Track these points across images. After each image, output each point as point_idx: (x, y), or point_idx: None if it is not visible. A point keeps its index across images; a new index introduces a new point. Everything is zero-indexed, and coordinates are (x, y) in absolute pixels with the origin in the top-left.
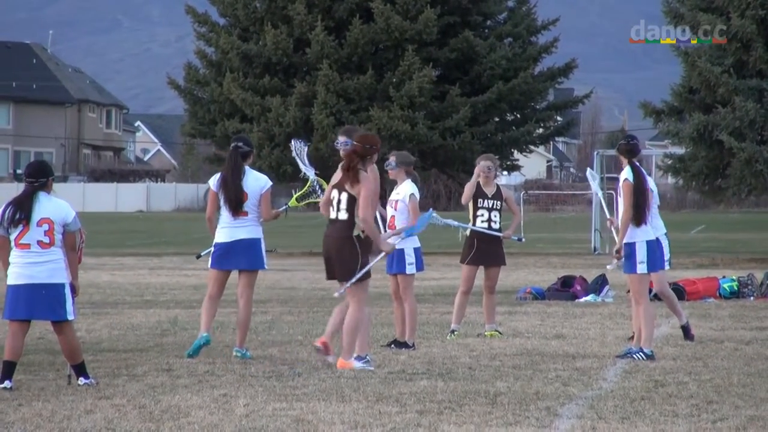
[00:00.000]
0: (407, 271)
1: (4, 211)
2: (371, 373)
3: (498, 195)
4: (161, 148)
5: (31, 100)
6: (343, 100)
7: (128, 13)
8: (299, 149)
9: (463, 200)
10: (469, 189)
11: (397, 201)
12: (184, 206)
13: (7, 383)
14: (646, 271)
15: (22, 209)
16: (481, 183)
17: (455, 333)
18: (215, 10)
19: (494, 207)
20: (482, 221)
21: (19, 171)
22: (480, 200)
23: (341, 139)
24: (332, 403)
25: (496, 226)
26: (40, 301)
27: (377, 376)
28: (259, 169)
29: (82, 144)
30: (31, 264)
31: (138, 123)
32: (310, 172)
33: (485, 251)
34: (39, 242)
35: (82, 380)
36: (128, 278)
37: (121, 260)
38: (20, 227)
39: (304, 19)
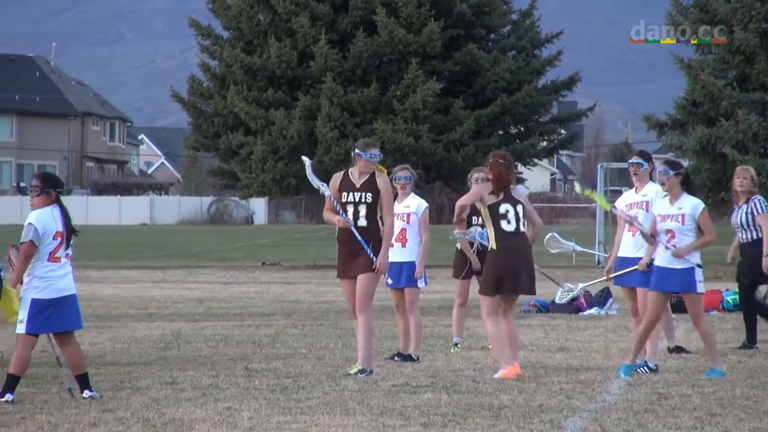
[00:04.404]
0: (417, 286)
1: (41, 223)
2: (375, 386)
3: None
4: (165, 161)
5: (35, 113)
6: (347, 113)
7: (132, 26)
8: (307, 167)
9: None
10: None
11: (409, 214)
12: (188, 219)
13: (8, 396)
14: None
15: (68, 222)
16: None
17: (458, 346)
18: (219, 23)
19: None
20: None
21: (22, 184)
22: (474, 217)
23: (375, 151)
24: (336, 416)
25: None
26: (72, 312)
27: (381, 389)
28: (263, 183)
29: (86, 157)
30: (61, 276)
31: (141, 136)
32: (324, 188)
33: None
34: (67, 255)
35: (86, 393)
36: (132, 291)
37: (125, 273)
38: (59, 240)
39: (307, 32)
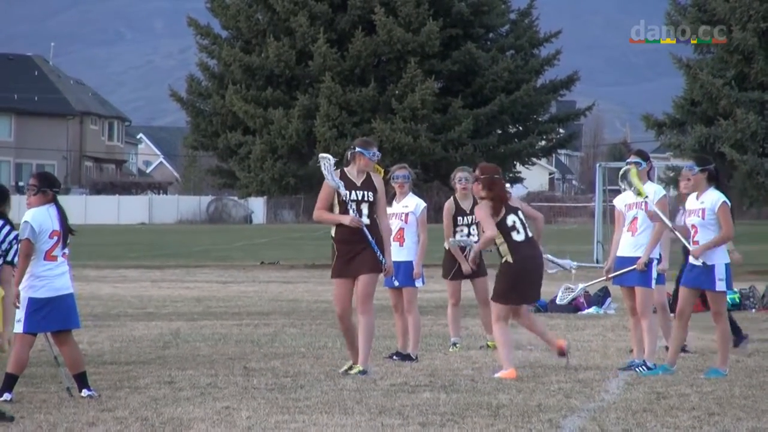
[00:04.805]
0: (415, 285)
1: (37, 221)
2: (374, 385)
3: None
4: (163, 161)
5: (33, 113)
6: (345, 113)
7: (131, 26)
8: (328, 165)
9: (446, 237)
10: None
11: (407, 214)
12: (187, 218)
13: (6, 395)
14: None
15: (65, 220)
16: (457, 197)
17: (457, 345)
18: (218, 22)
19: (473, 222)
20: (462, 237)
21: (21, 183)
22: (459, 218)
23: (376, 150)
24: (335, 416)
25: (474, 239)
26: (69, 311)
27: (380, 388)
28: (261, 182)
29: (84, 156)
30: (58, 276)
31: (140, 135)
32: (342, 187)
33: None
34: (63, 254)
35: (85, 392)
36: (130, 290)
37: (124, 272)
38: (55, 239)
39: (306, 32)
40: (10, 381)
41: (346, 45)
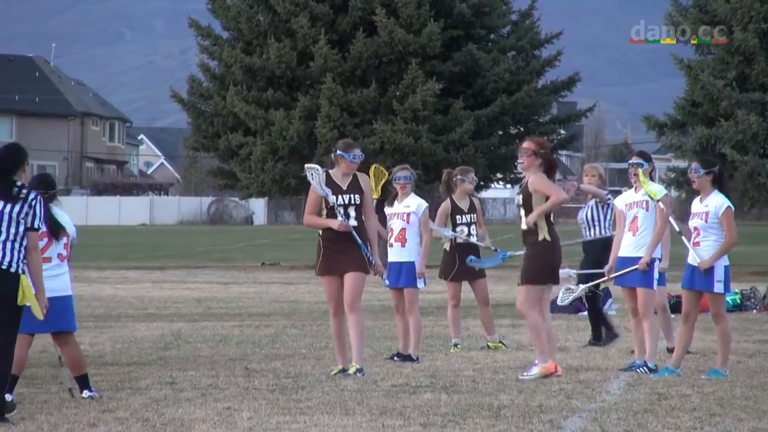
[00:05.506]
0: (417, 286)
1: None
2: (375, 386)
3: (473, 208)
4: (164, 162)
5: (34, 114)
6: (346, 114)
7: (131, 26)
8: (317, 175)
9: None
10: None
11: (408, 214)
12: (188, 219)
13: (7, 396)
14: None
15: (51, 219)
16: (455, 197)
17: (458, 346)
18: (218, 23)
19: (471, 221)
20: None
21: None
22: (458, 216)
23: (358, 152)
24: (336, 417)
25: (474, 239)
26: (63, 313)
27: (381, 389)
28: (262, 183)
29: (85, 157)
30: (53, 277)
31: (141, 136)
32: (330, 195)
33: (466, 266)
34: (59, 255)
35: (86, 393)
36: (131, 291)
37: (125, 273)
38: (45, 240)
39: (307, 33)
40: (11, 381)
41: (347, 46)
